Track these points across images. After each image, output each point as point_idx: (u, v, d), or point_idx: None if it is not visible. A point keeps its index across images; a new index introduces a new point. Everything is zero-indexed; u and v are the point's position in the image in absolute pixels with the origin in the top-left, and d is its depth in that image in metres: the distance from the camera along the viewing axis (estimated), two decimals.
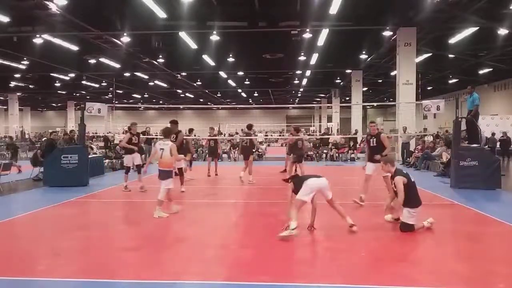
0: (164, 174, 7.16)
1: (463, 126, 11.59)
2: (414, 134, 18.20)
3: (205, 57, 22.42)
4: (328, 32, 16.91)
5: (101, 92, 38.21)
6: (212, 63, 23.80)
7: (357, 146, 21.05)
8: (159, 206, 7.18)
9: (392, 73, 24.06)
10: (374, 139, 8.27)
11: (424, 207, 8.40)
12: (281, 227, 6.02)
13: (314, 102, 50.50)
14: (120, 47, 19.95)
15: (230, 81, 32.81)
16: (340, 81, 32.82)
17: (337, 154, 20.37)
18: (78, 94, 41.04)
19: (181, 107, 53.03)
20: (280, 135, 42.33)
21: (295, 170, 11.67)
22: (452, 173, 10.77)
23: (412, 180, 6.20)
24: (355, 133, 24.39)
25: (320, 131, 37.65)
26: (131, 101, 47.88)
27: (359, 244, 5.54)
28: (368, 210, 8.56)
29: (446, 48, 19.91)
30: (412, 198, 6.09)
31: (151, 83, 33.48)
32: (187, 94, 42.19)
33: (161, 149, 7.20)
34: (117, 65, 24.26)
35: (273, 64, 24.94)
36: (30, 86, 34.10)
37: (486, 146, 15.02)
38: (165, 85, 34.28)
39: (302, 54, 22.19)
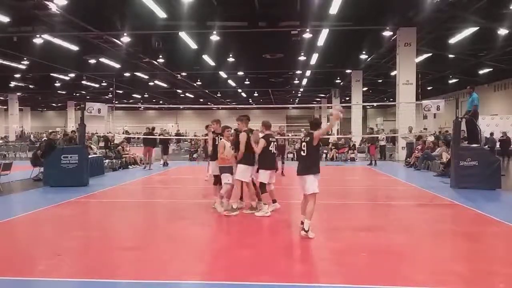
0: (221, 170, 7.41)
1: (463, 126, 11.59)
2: (414, 133, 18.23)
3: (205, 57, 22.42)
4: (328, 32, 16.91)
5: (101, 92, 38.20)
6: (212, 63, 23.80)
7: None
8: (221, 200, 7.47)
9: (392, 73, 24.06)
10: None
11: (424, 207, 8.46)
12: (280, 226, 6.02)
13: (314, 102, 50.44)
14: (120, 47, 19.95)
15: (230, 81, 32.81)
16: (340, 81, 32.82)
17: (337, 154, 20.38)
18: (78, 94, 41.03)
19: (181, 107, 53.02)
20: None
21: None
22: (452, 173, 10.76)
23: (272, 151, 7.21)
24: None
25: None
26: (131, 101, 47.88)
27: (359, 244, 5.54)
28: (367, 210, 8.57)
29: (446, 48, 19.91)
30: (265, 162, 7.13)
31: (151, 83, 33.48)
32: (187, 94, 42.18)
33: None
34: (117, 65, 24.26)
35: (273, 64, 24.93)
36: (30, 86, 34.08)
37: (486, 146, 15.02)
38: (165, 85, 34.29)
39: (302, 54, 22.19)
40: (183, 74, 29.59)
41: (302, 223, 5.77)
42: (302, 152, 6.06)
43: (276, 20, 16.13)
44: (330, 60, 24.51)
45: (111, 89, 33.32)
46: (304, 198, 5.97)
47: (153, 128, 17.51)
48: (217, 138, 7.75)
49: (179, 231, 6.52)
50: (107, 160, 15.24)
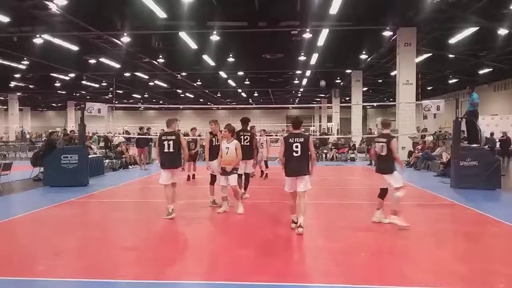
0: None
1: (463, 126, 11.59)
2: (418, 134, 18.26)
3: (205, 57, 22.41)
4: (328, 32, 16.89)
5: (101, 92, 38.19)
6: (212, 63, 23.79)
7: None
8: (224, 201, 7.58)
9: (392, 73, 24.04)
10: (385, 146, 6.45)
11: (424, 207, 8.47)
12: (280, 226, 6.00)
13: (314, 102, 50.44)
14: (120, 47, 19.93)
15: (230, 81, 32.80)
16: (340, 81, 32.82)
17: (337, 154, 20.36)
18: (78, 94, 41.02)
19: (181, 107, 53.01)
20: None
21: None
22: (452, 173, 10.76)
23: (165, 149, 7.14)
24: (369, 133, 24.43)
25: (320, 131, 37.67)
26: (131, 101, 47.86)
27: (359, 244, 5.54)
28: (367, 210, 8.56)
29: (446, 48, 19.89)
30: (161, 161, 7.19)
31: (151, 83, 33.47)
32: (187, 94, 42.17)
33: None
34: (117, 65, 24.23)
35: (273, 64, 24.91)
36: (30, 86, 34.07)
37: (486, 146, 15.02)
38: (165, 85, 34.27)
39: (302, 54, 22.17)
40: (183, 74, 29.58)
41: (294, 222, 6.01)
42: (294, 153, 6.03)
43: (276, 20, 16.12)
44: (330, 60, 24.49)
45: (111, 89, 33.30)
46: (294, 196, 6.15)
47: (141, 128, 17.80)
48: (213, 139, 7.87)
49: (179, 231, 6.52)
50: (107, 160, 15.24)
